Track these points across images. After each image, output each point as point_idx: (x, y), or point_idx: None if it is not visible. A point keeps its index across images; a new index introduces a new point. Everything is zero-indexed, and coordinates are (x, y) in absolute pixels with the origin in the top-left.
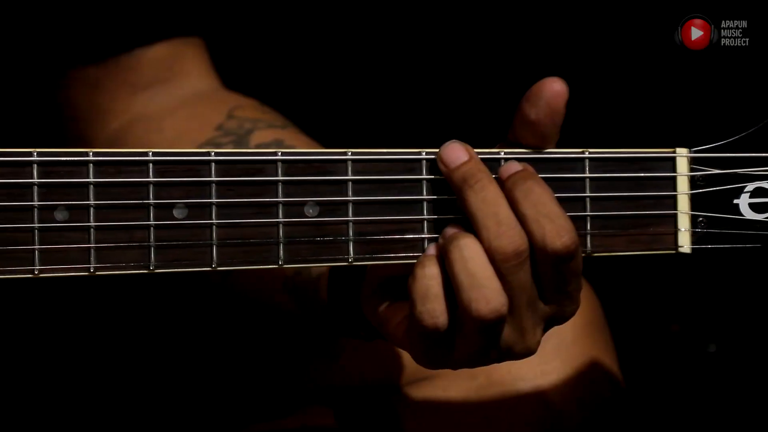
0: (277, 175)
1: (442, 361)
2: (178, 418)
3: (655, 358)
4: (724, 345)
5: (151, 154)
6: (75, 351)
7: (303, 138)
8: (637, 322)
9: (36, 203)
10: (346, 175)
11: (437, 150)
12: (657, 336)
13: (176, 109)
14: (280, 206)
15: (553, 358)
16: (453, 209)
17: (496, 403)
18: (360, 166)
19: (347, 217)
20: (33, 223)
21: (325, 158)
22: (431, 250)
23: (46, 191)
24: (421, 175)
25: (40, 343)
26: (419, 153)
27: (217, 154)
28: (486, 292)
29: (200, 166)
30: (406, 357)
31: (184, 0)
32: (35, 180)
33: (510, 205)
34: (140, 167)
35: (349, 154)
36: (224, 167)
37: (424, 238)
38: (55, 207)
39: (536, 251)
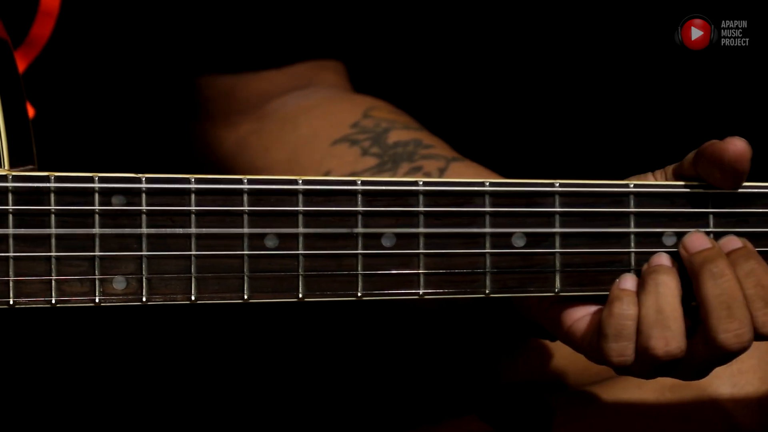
0: (484, 206)
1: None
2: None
3: None
4: None
5: (359, 182)
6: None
7: (439, 140)
8: None
9: (246, 230)
10: (554, 207)
11: (645, 182)
12: None
13: (310, 109)
14: (488, 237)
15: (749, 371)
16: (659, 243)
17: (686, 406)
18: (567, 198)
19: (554, 248)
20: (243, 250)
21: (532, 189)
22: (629, 283)
23: (256, 219)
24: (629, 207)
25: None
26: (627, 185)
27: (425, 183)
28: (667, 334)
29: (408, 197)
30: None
31: (328, 25)
32: (245, 208)
33: None
34: (348, 197)
35: (557, 185)
36: (432, 198)
37: (630, 270)
38: (264, 235)
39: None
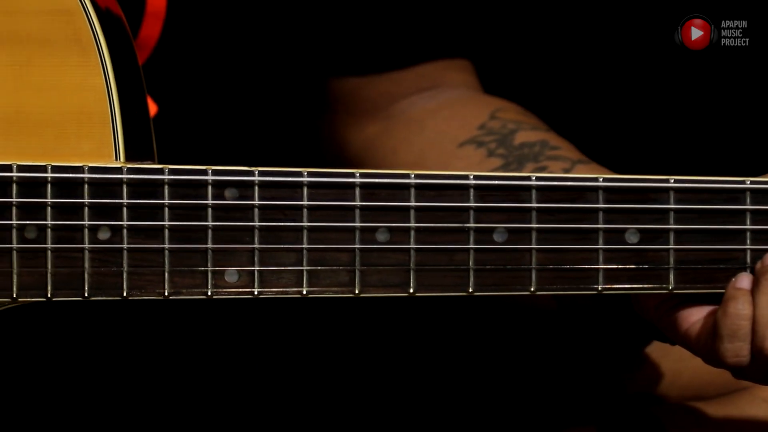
0: (598, 203)
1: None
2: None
3: None
4: None
5: (472, 177)
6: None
7: (566, 141)
8: None
9: (358, 224)
10: (668, 203)
11: (761, 179)
12: None
13: (437, 111)
14: (601, 233)
15: None
16: None
17: None
18: (681, 194)
19: (668, 245)
20: (355, 244)
21: (646, 185)
22: (745, 282)
23: (368, 213)
24: (745, 204)
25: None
26: (743, 182)
27: (537, 179)
28: None
29: (521, 192)
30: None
31: (455, 23)
32: (357, 203)
33: None
34: (461, 191)
35: (672, 181)
36: (545, 193)
37: (746, 268)
38: (376, 228)
39: None
